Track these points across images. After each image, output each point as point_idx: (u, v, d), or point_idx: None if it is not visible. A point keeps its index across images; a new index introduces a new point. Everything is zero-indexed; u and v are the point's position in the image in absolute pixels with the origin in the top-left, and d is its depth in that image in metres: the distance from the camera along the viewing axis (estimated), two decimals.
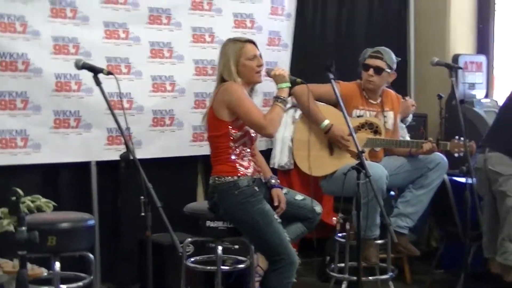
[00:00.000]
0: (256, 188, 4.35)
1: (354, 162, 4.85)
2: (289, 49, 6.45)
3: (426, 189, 5.05)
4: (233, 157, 4.35)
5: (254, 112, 4.26)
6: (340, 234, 5.22)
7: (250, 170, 4.39)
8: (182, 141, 5.85)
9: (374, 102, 5.18)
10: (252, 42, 4.49)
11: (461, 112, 4.75)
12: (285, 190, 4.61)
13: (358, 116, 5.10)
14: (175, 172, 5.96)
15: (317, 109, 5.02)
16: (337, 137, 4.99)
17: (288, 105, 6.12)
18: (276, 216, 4.31)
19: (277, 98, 4.34)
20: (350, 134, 4.09)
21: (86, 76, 3.70)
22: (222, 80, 4.38)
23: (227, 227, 4.40)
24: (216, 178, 4.35)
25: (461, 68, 4.69)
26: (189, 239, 4.66)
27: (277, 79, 4.39)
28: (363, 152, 4.02)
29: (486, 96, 6.84)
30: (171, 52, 5.73)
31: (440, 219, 5.97)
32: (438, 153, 5.07)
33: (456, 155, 4.99)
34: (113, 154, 5.25)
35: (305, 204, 4.58)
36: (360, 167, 4.02)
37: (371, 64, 5.07)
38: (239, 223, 4.33)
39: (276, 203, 4.45)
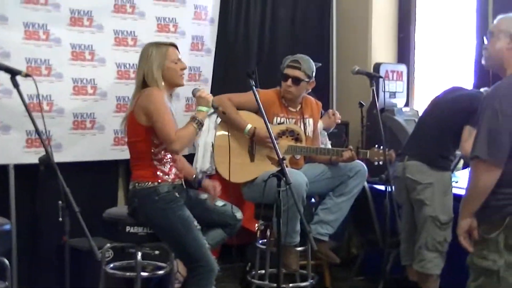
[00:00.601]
0: (176, 194, 4.29)
1: (274, 169, 4.88)
2: (212, 54, 6.38)
3: (346, 197, 5.07)
4: (154, 162, 4.28)
5: (168, 125, 4.16)
6: (260, 241, 5.19)
7: (171, 176, 4.32)
8: (103, 145, 5.75)
9: (294, 110, 5.17)
10: (174, 45, 4.43)
11: (381, 120, 4.81)
12: (205, 196, 4.57)
13: (278, 123, 5.09)
14: (95, 176, 5.87)
15: (238, 116, 5.00)
16: (263, 138, 4.95)
17: (211, 111, 6.10)
18: (195, 223, 4.25)
19: (194, 119, 4.26)
20: (271, 140, 4.05)
21: (4, 77, 3.56)
22: (143, 84, 4.30)
23: (147, 233, 4.31)
24: (137, 184, 4.28)
25: (381, 77, 4.72)
26: (108, 245, 4.56)
27: (200, 101, 4.32)
28: (284, 159, 3.98)
29: (407, 104, 6.91)
30: (93, 54, 5.62)
31: (360, 226, 6.02)
32: (359, 161, 5.09)
33: (375, 163, 5.02)
34: (32, 157, 5.13)
35: (226, 210, 4.55)
36: (280, 174, 3.97)
37: (289, 74, 5.07)
38: (159, 229, 4.26)
39: (212, 192, 4.52)
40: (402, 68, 6.83)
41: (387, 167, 4.66)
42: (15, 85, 3.54)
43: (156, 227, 4.27)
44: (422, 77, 7.12)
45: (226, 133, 4.87)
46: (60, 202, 3.48)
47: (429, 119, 5.17)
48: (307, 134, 5.18)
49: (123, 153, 5.65)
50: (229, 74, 6.58)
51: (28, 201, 5.51)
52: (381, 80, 6.50)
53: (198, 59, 6.25)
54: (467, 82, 6.27)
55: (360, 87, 6.54)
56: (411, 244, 5.11)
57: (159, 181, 4.26)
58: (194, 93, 4.37)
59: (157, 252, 4.68)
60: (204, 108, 4.30)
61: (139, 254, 4.34)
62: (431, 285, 5.02)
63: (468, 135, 4.89)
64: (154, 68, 4.27)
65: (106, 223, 4.47)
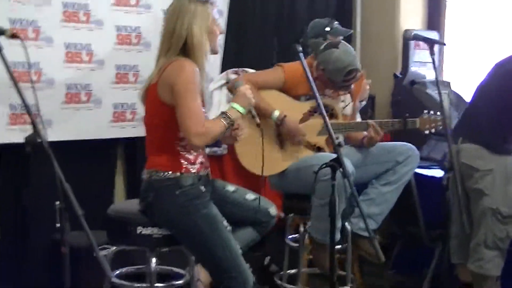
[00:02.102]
0: (202, 187, 3.37)
1: (309, 153, 4.05)
2: (224, 20, 5.42)
3: (393, 186, 4.19)
4: (178, 148, 3.34)
5: (195, 114, 3.22)
6: (290, 237, 4.30)
7: (196, 166, 3.38)
8: (101, 121, 4.81)
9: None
10: (212, 3, 3.48)
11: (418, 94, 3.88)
12: (233, 188, 3.65)
13: (307, 100, 4.18)
14: (90, 157, 4.87)
15: (263, 101, 4.09)
16: (292, 131, 4.10)
17: (223, 81, 5.21)
18: (225, 223, 3.34)
19: (226, 116, 3.31)
20: (326, 125, 3.13)
21: None
22: (174, 50, 3.33)
23: (163, 235, 3.36)
24: (154, 173, 3.33)
25: (444, 44, 3.80)
26: (113, 248, 3.56)
27: (241, 99, 3.39)
28: (340, 145, 3.09)
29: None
30: (89, 15, 4.65)
31: (398, 215, 5.09)
32: (409, 144, 4.24)
33: (426, 131, 4.19)
34: (17, 135, 4.13)
35: (258, 205, 3.60)
36: (336, 164, 3.07)
37: (350, 87, 4.24)
38: (180, 230, 3.32)
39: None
40: (434, 35, 5.91)
41: (450, 151, 3.72)
42: None
43: (175, 228, 3.33)
44: (454, 46, 6.20)
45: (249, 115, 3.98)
46: (57, 202, 2.63)
47: (487, 94, 4.30)
48: (344, 113, 4.33)
49: (124, 131, 4.88)
50: (244, 46, 5.71)
51: (13, 189, 4.56)
52: (411, 49, 5.72)
53: None
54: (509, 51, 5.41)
55: (386, 57, 5.68)
56: (465, 240, 4.27)
57: (182, 171, 3.33)
58: (234, 84, 3.51)
59: None
60: (240, 109, 3.36)
61: (153, 260, 3.40)
62: None
63: None
64: (203, 29, 3.32)
65: (110, 221, 3.53)
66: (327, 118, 3.16)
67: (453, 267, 4.46)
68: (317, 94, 3.16)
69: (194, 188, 3.32)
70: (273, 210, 3.67)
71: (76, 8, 4.58)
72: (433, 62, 3.79)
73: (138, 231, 3.35)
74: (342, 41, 4.28)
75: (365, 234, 4.18)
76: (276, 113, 4.09)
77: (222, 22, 5.34)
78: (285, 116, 4.09)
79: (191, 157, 3.37)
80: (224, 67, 5.37)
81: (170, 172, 3.30)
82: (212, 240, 3.27)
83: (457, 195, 3.80)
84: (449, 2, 6.20)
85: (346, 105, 4.35)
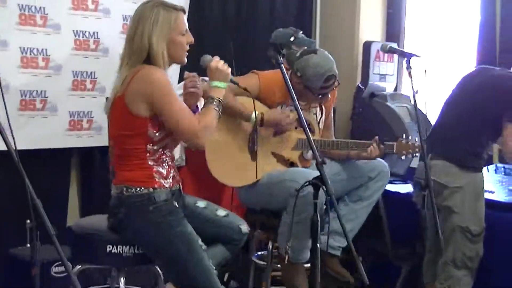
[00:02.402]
0: (175, 203, 3.21)
1: (281, 168, 3.94)
2: None
3: (365, 202, 4.12)
4: (149, 162, 3.17)
5: (186, 115, 3.12)
6: (257, 254, 4.16)
7: (169, 180, 3.24)
8: (56, 129, 4.56)
9: None
10: (184, 11, 3.30)
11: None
12: (203, 204, 3.49)
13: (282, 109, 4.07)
14: (44, 167, 4.61)
15: (240, 105, 3.95)
16: (276, 119, 3.98)
17: (181, 91, 5.03)
18: (200, 242, 3.18)
19: (212, 99, 3.20)
20: (301, 123, 3.03)
21: None
22: (136, 59, 3.16)
23: (134, 253, 3.19)
24: (124, 188, 3.14)
25: (418, 56, 3.73)
26: (79, 267, 3.33)
27: (216, 74, 3.25)
28: (324, 163, 2.95)
29: (396, 89, 5.99)
30: (46, 19, 4.40)
31: (365, 233, 5.00)
32: (381, 160, 4.14)
33: (403, 157, 4.07)
34: None
35: (230, 222, 3.46)
36: (319, 182, 2.95)
37: (328, 94, 4.13)
38: (153, 248, 3.15)
39: None
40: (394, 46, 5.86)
41: (427, 168, 3.65)
42: None
43: (149, 246, 3.16)
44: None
45: (222, 125, 3.85)
46: (28, 221, 2.68)
47: (456, 109, 4.23)
48: (319, 125, 4.17)
49: (80, 140, 4.66)
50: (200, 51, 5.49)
51: None
52: (371, 61, 5.66)
53: None
54: (468, 61, 5.39)
55: (346, 69, 5.57)
56: (434, 258, 4.21)
57: (155, 186, 3.16)
58: (204, 61, 3.30)
59: None
60: (221, 84, 3.25)
61: (122, 280, 3.22)
62: None
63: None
64: (161, 38, 3.15)
65: (73, 237, 3.34)
66: (310, 136, 3.04)
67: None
68: (302, 116, 3.03)
69: (168, 203, 3.17)
70: (245, 228, 3.53)
71: (32, 11, 4.34)
72: (410, 75, 3.70)
73: (108, 250, 3.16)
74: (320, 48, 4.19)
75: (335, 252, 4.08)
76: (253, 116, 3.94)
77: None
78: (262, 113, 3.96)
79: (163, 171, 3.21)
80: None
81: (142, 188, 3.13)
82: (188, 259, 3.11)
83: (433, 213, 3.71)
84: (408, 14, 6.15)
85: (320, 119, 4.24)
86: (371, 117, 5.51)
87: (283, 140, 4.04)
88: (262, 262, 4.17)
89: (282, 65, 3.08)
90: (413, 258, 4.41)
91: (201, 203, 3.47)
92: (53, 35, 4.45)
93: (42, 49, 4.42)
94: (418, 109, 3.83)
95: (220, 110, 3.22)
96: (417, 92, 3.73)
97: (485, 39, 5.33)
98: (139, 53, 3.15)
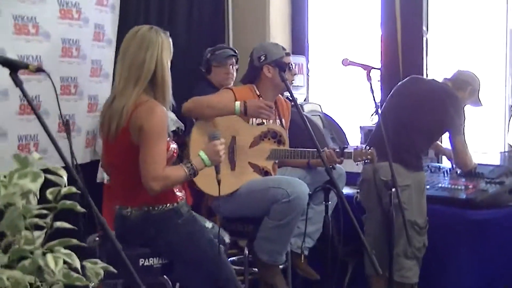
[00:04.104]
0: (193, 214, 3.41)
1: (258, 177, 4.19)
2: (113, 45, 5.36)
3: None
4: None
5: (159, 158, 3.24)
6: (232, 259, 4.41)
7: (182, 193, 3.44)
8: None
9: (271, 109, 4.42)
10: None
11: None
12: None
13: (258, 124, 4.31)
14: None
15: (220, 103, 4.17)
16: (258, 106, 4.19)
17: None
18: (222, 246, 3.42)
19: (190, 164, 3.36)
20: (318, 153, 3.30)
21: None
22: (144, 81, 3.34)
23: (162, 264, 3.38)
24: (151, 208, 3.31)
25: (379, 69, 4.10)
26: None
27: (211, 152, 3.42)
28: (333, 168, 3.25)
29: (305, 99, 6.37)
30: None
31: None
32: (338, 165, 4.47)
33: (357, 164, 4.42)
34: None
35: (215, 233, 3.64)
36: (331, 186, 3.26)
37: (290, 62, 4.40)
38: (186, 258, 3.33)
39: None
40: (302, 60, 6.27)
41: (392, 170, 4.02)
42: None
43: (181, 256, 3.34)
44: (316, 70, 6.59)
45: (203, 138, 4.03)
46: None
47: (395, 116, 4.65)
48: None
49: None
50: None
51: None
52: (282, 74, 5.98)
53: (99, 51, 5.20)
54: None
55: None
56: (380, 252, 4.58)
57: (178, 200, 3.36)
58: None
59: None
60: (207, 162, 3.40)
61: None
62: None
63: (463, 145, 4.49)
64: (169, 62, 3.37)
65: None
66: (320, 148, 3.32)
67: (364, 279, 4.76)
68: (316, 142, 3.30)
69: (190, 214, 3.36)
70: (227, 238, 3.78)
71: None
72: (371, 88, 4.03)
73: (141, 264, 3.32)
74: None
75: (304, 253, 4.38)
76: (237, 105, 4.15)
77: (114, 17, 5.36)
78: (245, 101, 4.17)
79: (178, 186, 3.40)
80: None
81: (168, 204, 3.30)
82: (216, 262, 3.34)
83: (400, 209, 4.09)
84: (311, 29, 6.56)
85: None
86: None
87: (258, 150, 4.28)
88: (238, 268, 4.39)
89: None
90: (357, 254, 4.75)
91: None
92: None
93: None
94: (324, 114, 4.17)
95: (188, 178, 3.36)
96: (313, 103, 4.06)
97: (388, 50, 5.85)
98: (147, 76, 3.31)
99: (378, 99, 5.81)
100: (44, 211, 1.45)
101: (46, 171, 1.69)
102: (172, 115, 5.00)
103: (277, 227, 3.97)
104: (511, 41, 10.08)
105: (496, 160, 5.72)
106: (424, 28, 5.90)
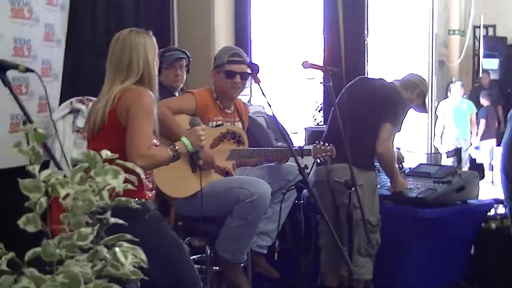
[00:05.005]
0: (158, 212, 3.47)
1: (219, 178, 4.24)
2: (62, 45, 5.33)
3: (286, 203, 4.43)
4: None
5: (145, 135, 3.26)
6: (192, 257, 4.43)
7: (153, 192, 3.47)
8: None
9: (229, 111, 4.47)
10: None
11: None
12: None
13: (217, 125, 4.36)
14: None
15: (180, 128, 4.14)
16: (208, 157, 4.24)
17: (67, 110, 5.14)
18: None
19: (173, 147, 3.38)
20: (293, 155, 3.39)
21: None
22: (132, 80, 3.37)
23: None
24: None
25: (340, 71, 4.20)
26: None
27: (192, 137, 3.47)
28: (306, 167, 3.36)
29: (249, 101, 6.45)
30: None
31: None
32: (294, 164, 4.55)
33: (318, 160, 4.47)
34: None
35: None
36: (304, 185, 3.35)
37: (237, 70, 4.37)
38: (154, 255, 3.33)
39: None
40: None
41: (351, 170, 4.13)
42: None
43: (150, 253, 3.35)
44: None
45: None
46: None
47: (346, 116, 4.75)
48: None
49: None
50: (80, 69, 5.58)
51: None
52: None
53: (49, 51, 5.17)
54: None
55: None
56: (333, 251, 4.71)
57: (147, 198, 3.37)
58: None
59: None
60: (189, 146, 3.44)
61: None
62: None
63: (389, 134, 4.63)
64: (155, 60, 3.43)
65: None
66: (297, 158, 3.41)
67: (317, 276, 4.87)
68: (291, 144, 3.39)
69: (156, 212, 3.41)
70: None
71: None
72: (330, 89, 4.14)
73: None
74: None
75: (262, 251, 4.46)
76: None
77: (64, 16, 5.32)
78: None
79: (149, 184, 3.41)
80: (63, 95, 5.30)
81: (137, 199, 3.31)
82: (180, 261, 3.39)
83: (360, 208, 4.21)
84: (254, 31, 6.66)
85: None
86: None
87: (218, 151, 4.33)
88: (199, 266, 4.41)
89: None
90: (310, 253, 4.84)
91: None
92: None
93: None
94: (274, 117, 4.30)
95: (172, 159, 3.38)
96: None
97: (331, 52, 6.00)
98: (136, 75, 3.36)
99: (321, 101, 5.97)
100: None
101: None
102: None
103: (240, 227, 4.03)
104: (435, 44, 10.49)
105: (423, 160, 5.93)
106: (365, 32, 6.06)
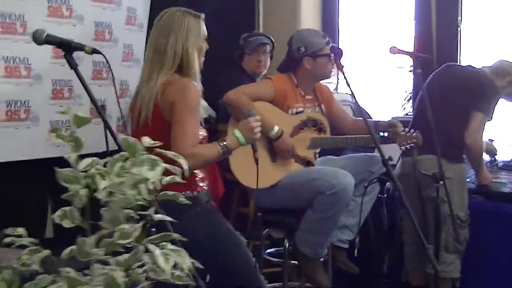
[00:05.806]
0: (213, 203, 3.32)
1: (298, 167, 4.08)
2: (144, 29, 5.20)
3: (369, 196, 4.24)
4: None
5: (189, 134, 3.08)
6: (268, 251, 4.29)
7: (206, 183, 3.32)
8: (36, 140, 4.42)
9: (310, 97, 4.30)
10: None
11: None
12: None
13: (297, 113, 4.18)
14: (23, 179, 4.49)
15: (264, 117, 3.97)
16: (283, 150, 4.08)
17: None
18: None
19: (224, 142, 3.19)
20: (375, 145, 3.19)
21: None
22: (171, 67, 3.19)
23: None
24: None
25: (431, 58, 3.97)
26: None
27: (246, 129, 3.24)
28: (390, 159, 3.13)
29: (336, 89, 6.24)
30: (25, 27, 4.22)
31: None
32: (377, 154, 4.34)
33: (402, 148, 4.25)
34: None
35: None
36: (387, 178, 3.14)
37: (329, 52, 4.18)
38: (205, 250, 3.10)
39: None
40: None
41: (440, 162, 3.89)
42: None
43: (198, 248, 3.19)
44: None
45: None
46: None
47: (433, 106, 4.49)
48: None
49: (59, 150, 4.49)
50: None
51: None
52: None
53: (131, 35, 5.07)
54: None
55: None
56: (419, 246, 4.47)
57: (198, 190, 3.22)
58: (247, 114, 3.30)
59: None
60: (242, 140, 3.22)
61: None
62: None
63: (480, 124, 4.35)
64: (195, 46, 3.21)
65: None
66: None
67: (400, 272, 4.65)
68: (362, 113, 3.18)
69: (209, 204, 3.26)
70: None
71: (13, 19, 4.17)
72: (418, 76, 3.92)
73: None
74: None
75: (343, 245, 4.26)
76: (275, 129, 4.04)
77: (143, 36, 5.15)
78: (282, 132, 4.05)
79: (201, 174, 3.26)
80: None
81: (187, 192, 3.16)
82: (234, 255, 3.22)
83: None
84: (342, 16, 6.43)
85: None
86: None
87: (298, 140, 4.16)
88: (276, 259, 4.28)
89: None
90: (393, 248, 4.63)
91: None
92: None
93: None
94: (362, 107, 4.08)
95: (222, 156, 3.19)
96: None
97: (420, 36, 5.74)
98: (172, 63, 3.16)
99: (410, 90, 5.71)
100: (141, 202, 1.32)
101: None
102: (203, 103, 4.88)
103: (321, 220, 3.85)
104: None
105: None
106: (459, 18, 5.78)
